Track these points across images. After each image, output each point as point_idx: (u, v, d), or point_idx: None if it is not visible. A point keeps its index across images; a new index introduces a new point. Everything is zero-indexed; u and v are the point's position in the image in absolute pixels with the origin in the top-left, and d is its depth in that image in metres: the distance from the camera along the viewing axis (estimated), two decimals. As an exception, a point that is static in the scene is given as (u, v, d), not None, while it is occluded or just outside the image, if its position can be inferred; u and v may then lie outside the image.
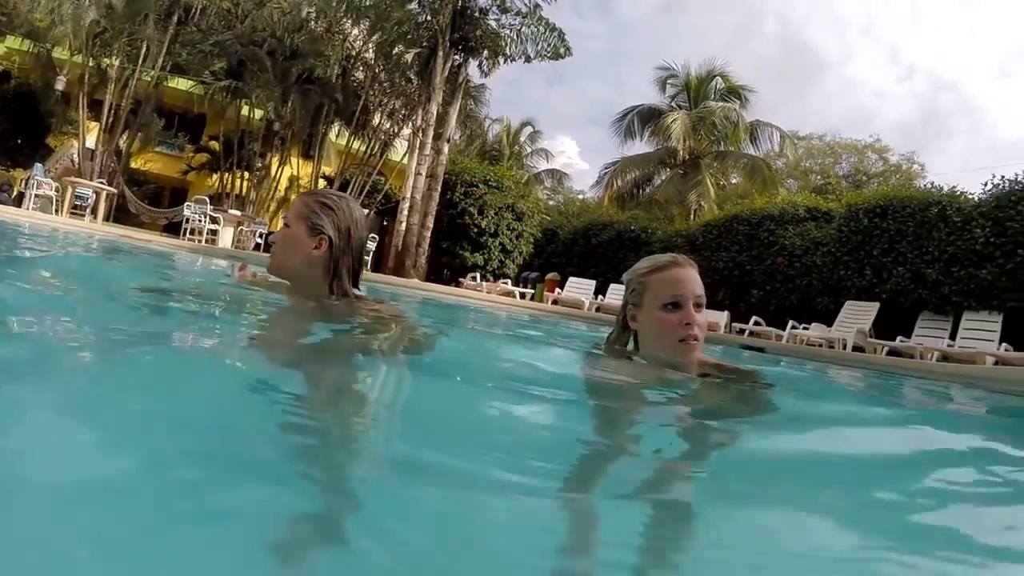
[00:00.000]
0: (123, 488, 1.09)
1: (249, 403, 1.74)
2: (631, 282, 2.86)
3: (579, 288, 19.55)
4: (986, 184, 15.77)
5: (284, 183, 30.78)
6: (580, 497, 1.46)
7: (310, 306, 3.07)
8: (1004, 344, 13.01)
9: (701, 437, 2.20)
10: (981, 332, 13.96)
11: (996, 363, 11.83)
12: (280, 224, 3.28)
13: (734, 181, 35.43)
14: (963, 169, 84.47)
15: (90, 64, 25.75)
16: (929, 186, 18.96)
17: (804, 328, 15.51)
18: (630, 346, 2.97)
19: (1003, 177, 15.40)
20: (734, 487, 1.67)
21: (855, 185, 40.81)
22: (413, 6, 23.41)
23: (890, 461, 2.39)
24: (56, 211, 18.88)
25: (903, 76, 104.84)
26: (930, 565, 1.35)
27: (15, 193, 20.17)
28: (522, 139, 46.76)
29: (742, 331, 15.96)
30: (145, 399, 1.52)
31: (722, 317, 16.43)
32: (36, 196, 18.73)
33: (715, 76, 33.53)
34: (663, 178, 33.74)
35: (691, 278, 2.70)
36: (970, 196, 16.00)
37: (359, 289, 3.15)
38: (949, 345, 13.78)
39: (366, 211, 28.05)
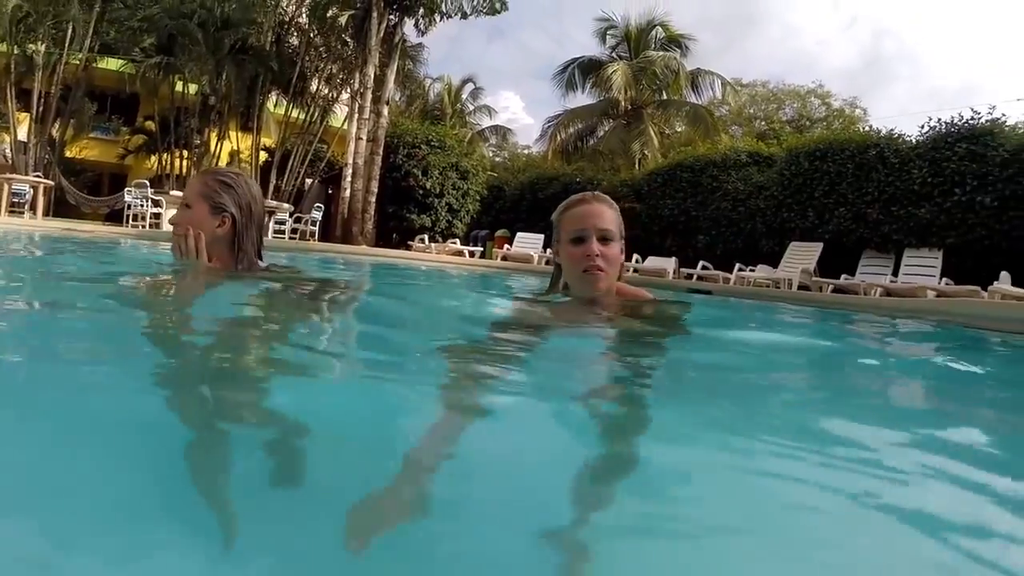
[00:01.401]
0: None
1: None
2: (553, 223, 2.94)
3: (527, 242, 19.62)
4: (923, 127, 16.11)
5: (224, 158, 29.98)
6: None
7: (223, 277, 3.08)
8: (944, 279, 13.32)
9: (605, 366, 2.25)
10: (922, 268, 14.40)
11: (937, 296, 12.10)
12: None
13: (679, 130, 35.52)
14: (904, 114, 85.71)
15: (15, 52, 24.57)
16: (869, 129, 19.22)
17: (751, 270, 15.79)
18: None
19: (939, 120, 15.78)
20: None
21: (798, 130, 41.01)
22: (347, -35, 23.07)
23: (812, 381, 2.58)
24: (-8, 211, 18.34)
25: (846, 23, 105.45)
26: (835, 463, 1.45)
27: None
28: (464, 97, 46.51)
29: (690, 276, 16.07)
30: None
31: (670, 263, 16.71)
32: (-29, 199, 18.11)
33: (655, 26, 33.44)
34: (606, 129, 33.91)
35: (595, 212, 2.76)
36: (908, 138, 16.35)
37: (262, 261, 3.23)
38: (892, 281, 14.11)
39: (310, 181, 27.86)
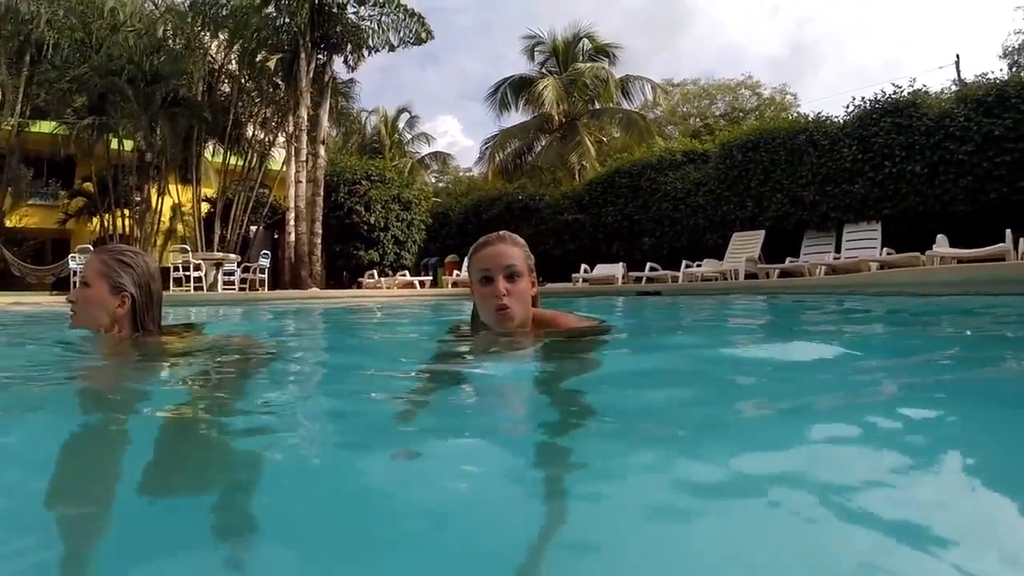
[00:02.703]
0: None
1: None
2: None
3: (475, 266, 19.56)
4: (848, 107, 16.59)
5: (167, 213, 29.78)
6: None
7: (125, 344, 3.08)
8: (886, 249, 13.64)
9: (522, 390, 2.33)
10: (863, 242, 14.85)
11: (881, 267, 12.47)
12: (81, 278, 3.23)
13: (616, 135, 35.84)
14: (833, 94, 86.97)
15: None
16: (798, 115, 19.67)
17: (697, 265, 16.04)
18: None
19: (863, 98, 16.25)
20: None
21: (732, 123, 41.48)
22: (270, 10, 23.18)
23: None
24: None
25: (769, 13, 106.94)
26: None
27: None
28: (401, 126, 46.49)
29: (639, 279, 16.37)
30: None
31: (618, 269, 16.99)
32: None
33: (581, 38, 33.99)
34: (543, 144, 34.18)
35: (499, 252, 2.91)
36: (835, 119, 16.81)
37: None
38: (835, 258, 14.51)
39: (254, 228, 27.72)
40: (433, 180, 46.45)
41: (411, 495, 1.27)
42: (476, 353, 3.00)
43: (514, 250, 2.93)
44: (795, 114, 22.67)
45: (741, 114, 45.81)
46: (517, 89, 33.82)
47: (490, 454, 1.57)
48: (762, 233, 16.46)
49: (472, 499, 1.26)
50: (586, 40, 34.09)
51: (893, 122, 14.97)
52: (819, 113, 17.49)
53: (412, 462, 1.50)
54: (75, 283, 15.65)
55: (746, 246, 16.29)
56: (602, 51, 33.92)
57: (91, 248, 20.56)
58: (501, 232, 3.05)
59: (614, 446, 1.58)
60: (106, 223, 29.30)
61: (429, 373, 2.71)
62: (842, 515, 1.09)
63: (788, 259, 15.23)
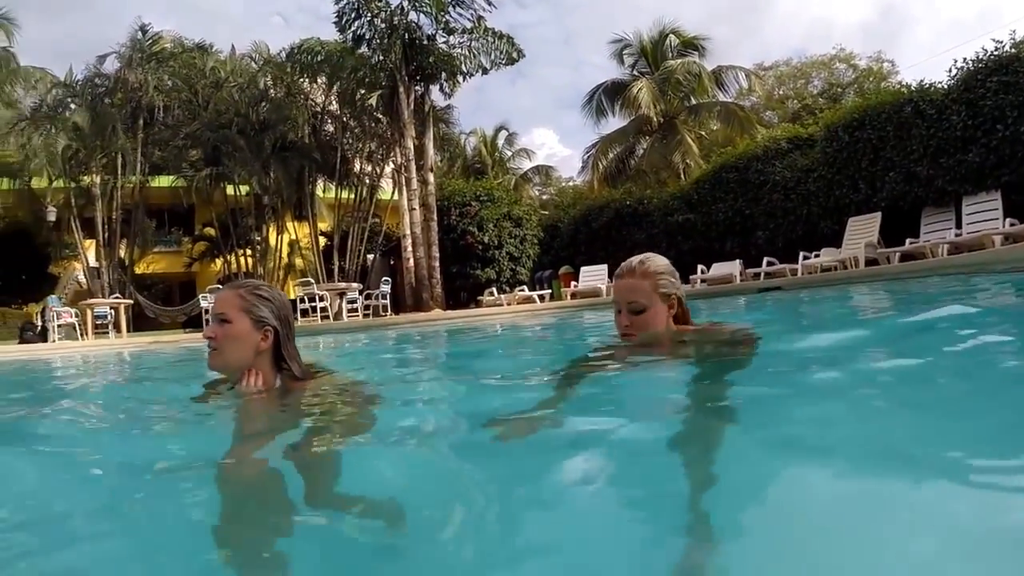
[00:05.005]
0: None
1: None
2: None
3: (592, 276, 19.94)
4: (950, 70, 15.92)
5: (286, 249, 31.43)
6: None
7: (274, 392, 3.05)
8: (1008, 219, 13.08)
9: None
10: (984, 213, 14.14)
11: (1005, 239, 12.06)
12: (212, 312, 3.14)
13: (714, 128, 35.45)
14: (931, 56, 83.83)
15: (72, 186, 26.49)
16: (899, 85, 19.09)
17: (815, 256, 15.75)
18: None
19: (964, 59, 15.58)
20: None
21: (832, 100, 40.57)
22: (364, 50, 23.86)
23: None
24: (81, 335, 19.47)
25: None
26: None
27: (39, 328, 20.69)
28: (500, 144, 47.02)
29: (757, 275, 16.20)
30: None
31: (734, 267, 16.83)
32: (59, 327, 19.25)
33: (667, 34, 33.54)
34: (644, 147, 33.81)
35: (624, 288, 3.22)
36: (939, 85, 16.12)
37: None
38: (957, 235, 13.91)
39: (371, 256, 28.60)
40: (536, 193, 46.69)
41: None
42: (619, 357, 3.29)
43: (642, 284, 3.15)
44: (896, 84, 22.03)
45: (839, 89, 44.29)
46: (612, 94, 33.70)
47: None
48: (878, 215, 15.82)
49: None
50: (672, 36, 33.60)
51: (1000, 81, 14.18)
52: (921, 80, 16.83)
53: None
54: (207, 320, 16.43)
55: (863, 231, 15.72)
56: (690, 45, 33.46)
57: (220, 286, 21.48)
58: (635, 263, 3.24)
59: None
60: (230, 263, 31.03)
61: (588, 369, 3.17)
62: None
63: (908, 240, 14.60)
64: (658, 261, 3.25)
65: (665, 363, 3.07)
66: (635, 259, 3.27)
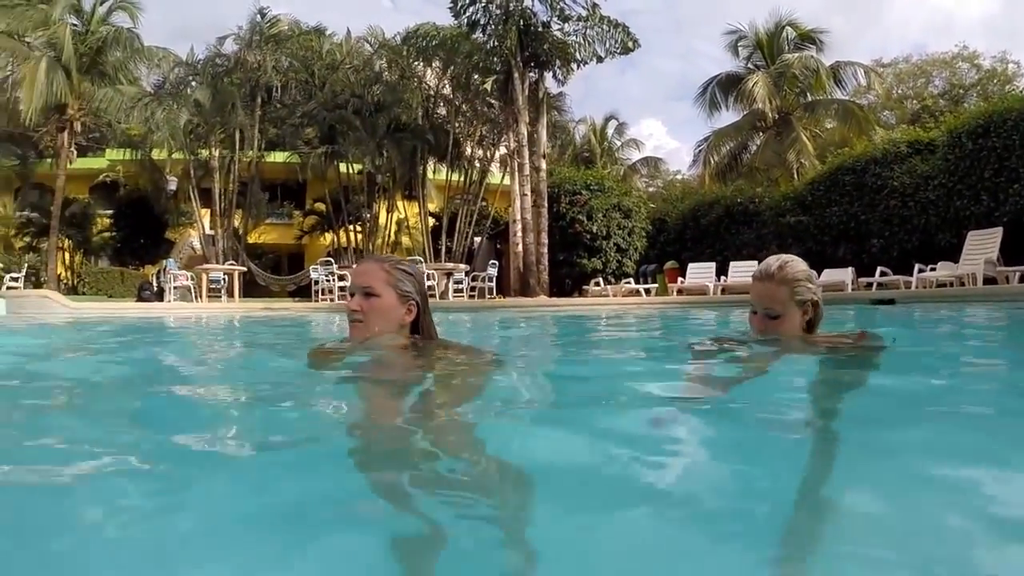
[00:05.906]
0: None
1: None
2: None
3: (701, 273, 19.65)
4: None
5: (393, 227, 32.18)
6: None
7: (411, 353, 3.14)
8: None
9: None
10: None
11: None
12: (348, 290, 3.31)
13: (829, 126, 34.72)
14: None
15: (191, 158, 27.80)
16: (1024, 90, 18.29)
17: (931, 269, 15.06)
18: None
19: None
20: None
21: (953, 101, 39.33)
22: (478, 36, 24.14)
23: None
24: (196, 297, 20.56)
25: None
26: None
27: (156, 289, 21.75)
28: (609, 134, 46.92)
29: (869, 285, 15.79)
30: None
31: (847, 274, 16.21)
32: (175, 288, 20.39)
33: (784, 27, 32.77)
34: (758, 143, 33.45)
35: (762, 293, 3.31)
36: (1072, 88, 15.38)
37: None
38: None
39: (478, 239, 29.08)
40: (643, 185, 46.44)
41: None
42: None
43: (780, 292, 3.21)
44: (1022, 88, 21.02)
45: (961, 91, 42.85)
46: (725, 87, 33.17)
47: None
48: (1000, 231, 14.65)
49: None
50: (789, 28, 32.78)
51: None
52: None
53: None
54: (324, 291, 17.05)
55: (983, 246, 14.68)
56: (807, 38, 32.62)
57: (332, 260, 22.81)
58: (774, 268, 3.26)
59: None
60: (339, 237, 32.05)
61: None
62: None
63: (1031, 260, 13.78)
64: (797, 266, 3.27)
65: (787, 363, 3.18)
66: (774, 263, 3.29)
